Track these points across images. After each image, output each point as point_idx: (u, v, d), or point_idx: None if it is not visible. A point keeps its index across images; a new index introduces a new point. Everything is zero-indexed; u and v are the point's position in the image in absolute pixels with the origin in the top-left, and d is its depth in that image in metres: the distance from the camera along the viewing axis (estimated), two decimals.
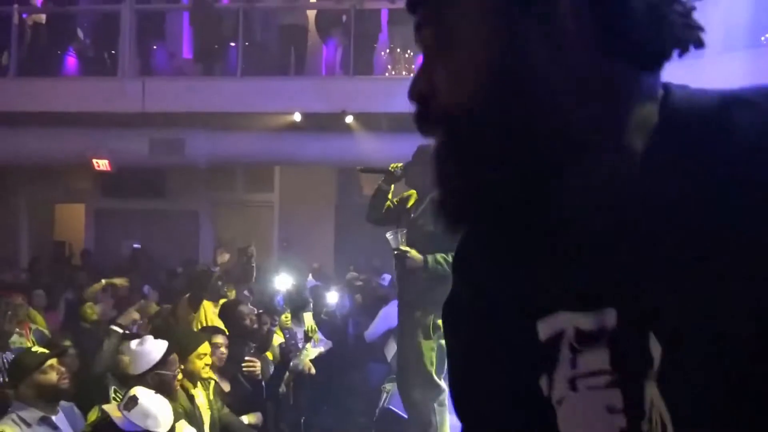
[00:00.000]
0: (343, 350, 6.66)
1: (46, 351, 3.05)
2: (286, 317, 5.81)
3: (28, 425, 2.77)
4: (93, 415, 3.03)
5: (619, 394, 0.56)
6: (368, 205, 3.95)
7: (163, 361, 3.18)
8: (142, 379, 3.12)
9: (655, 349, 0.52)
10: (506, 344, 0.66)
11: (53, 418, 2.87)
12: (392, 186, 3.85)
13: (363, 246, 9.57)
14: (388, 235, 3.58)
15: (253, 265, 6.49)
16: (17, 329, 5.13)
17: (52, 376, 2.90)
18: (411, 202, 3.78)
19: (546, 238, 0.60)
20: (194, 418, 3.56)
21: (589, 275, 0.57)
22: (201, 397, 3.68)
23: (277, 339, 5.34)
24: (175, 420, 3.22)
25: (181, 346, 3.56)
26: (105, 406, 2.65)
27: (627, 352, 0.54)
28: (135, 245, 10.88)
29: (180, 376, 3.33)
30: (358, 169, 4.36)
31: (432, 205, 3.27)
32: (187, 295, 5.03)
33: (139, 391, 2.52)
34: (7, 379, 3.33)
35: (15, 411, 2.80)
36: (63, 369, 3.01)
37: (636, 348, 0.53)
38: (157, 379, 3.14)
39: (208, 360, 3.72)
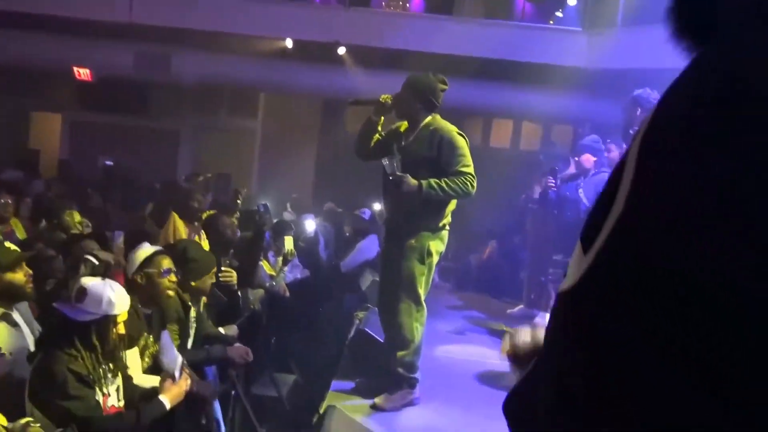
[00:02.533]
0: (319, 278, 6.74)
1: (18, 250, 3.01)
2: (270, 226, 5.85)
3: None
4: None
5: None
6: (357, 137, 3.91)
7: (149, 260, 3.19)
8: (133, 281, 3.15)
9: None
10: None
11: (12, 314, 2.88)
12: (382, 118, 3.85)
13: (342, 180, 9.59)
14: (384, 161, 3.60)
15: (239, 202, 6.46)
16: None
17: (20, 277, 2.87)
18: (403, 129, 3.80)
19: None
20: (184, 330, 3.64)
21: None
22: (192, 310, 3.74)
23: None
24: (167, 323, 3.28)
25: (197, 265, 3.59)
26: (56, 303, 2.62)
27: None
28: (107, 162, 10.71)
29: (173, 281, 3.33)
30: (348, 102, 4.30)
31: (426, 132, 3.29)
32: (149, 211, 5.02)
33: (86, 282, 2.51)
34: None
35: None
36: (31, 272, 3.00)
37: None
38: (145, 279, 3.17)
39: (213, 278, 3.78)
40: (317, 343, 6.13)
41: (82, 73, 8.89)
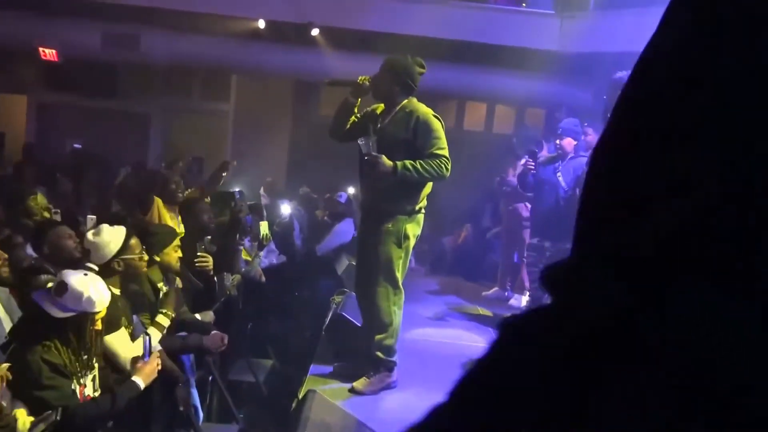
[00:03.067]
0: (295, 263, 6.72)
1: None
2: (246, 213, 5.79)
3: None
4: None
5: None
6: (333, 118, 3.88)
7: (126, 246, 3.14)
8: (108, 268, 3.09)
9: None
10: None
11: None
12: (359, 100, 3.83)
13: (317, 163, 9.53)
14: (360, 141, 3.59)
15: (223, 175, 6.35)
16: None
17: None
18: (379, 111, 3.78)
19: None
20: (154, 311, 3.59)
21: None
22: (164, 290, 3.70)
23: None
24: (138, 312, 3.23)
25: (158, 238, 3.54)
26: (34, 294, 2.57)
27: None
28: (75, 145, 10.47)
29: (144, 262, 3.29)
30: (325, 82, 4.25)
31: (403, 114, 3.27)
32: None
33: (67, 276, 2.46)
34: None
35: None
36: (5, 255, 2.94)
37: None
38: (124, 265, 3.12)
39: (180, 253, 3.72)
40: (294, 327, 6.14)
41: (48, 53, 8.63)
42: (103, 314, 2.48)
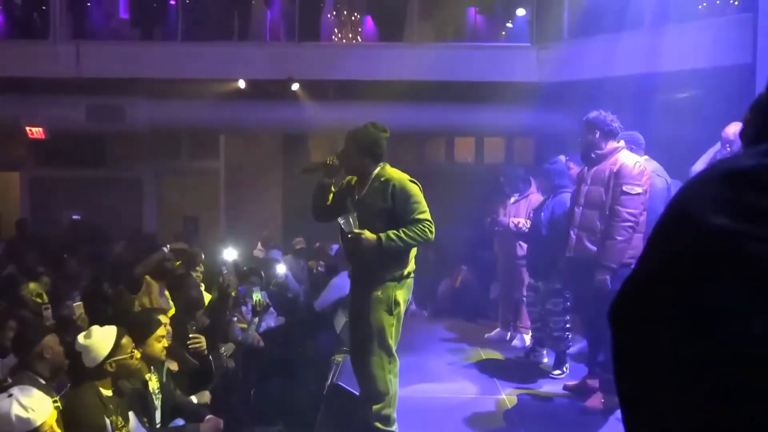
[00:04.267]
0: (293, 321, 6.67)
1: None
2: (236, 288, 5.76)
3: None
4: None
5: None
6: (312, 203, 3.86)
7: (117, 347, 3.11)
8: (101, 370, 3.06)
9: None
10: None
11: None
12: (333, 179, 3.83)
13: (310, 213, 9.50)
14: (340, 220, 3.59)
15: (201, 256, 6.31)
16: None
17: None
18: (354, 182, 3.78)
19: None
20: (147, 404, 3.54)
21: None
22: (153, 381, 3.64)
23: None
24: (125, 411, 3.17)
25: (139, 330, 3.49)
26: None
27: None
28: (75, 216, 10.52)
29: (137, 358, 3.26)
30: (297, 172, 4.34)
31: (378, 183, 3.27)
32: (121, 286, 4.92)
33: None
34: None
35: None
36: None
37: None
38: (116, 366, 3.08)
39: (165, 342, 3.66)
40: (297, 386, 6.05)
41: (35, 131, 8.72)
42: (52, 421, 2.41)
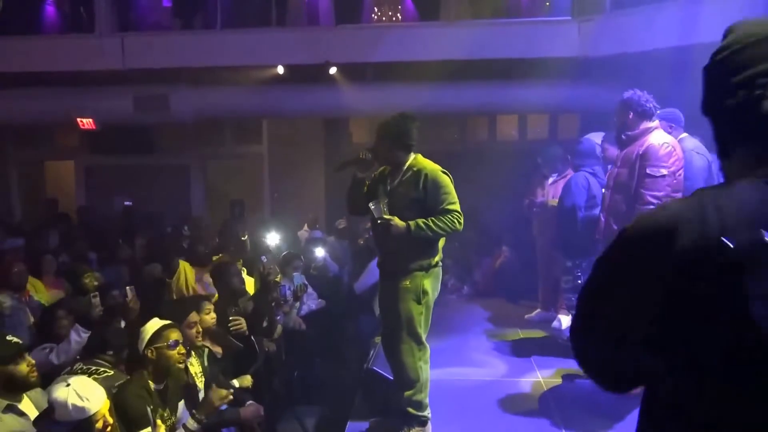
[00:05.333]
0: (335, 303, 6.77)
1: (19, 342, 3.08)
2: (276, 275, 5.89)
3: None
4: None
5: None
6: (348, 197, 3.93)
7: (158, 335, 3.26)
8: (144, 356, 3.24)
9: None
10: None
11: (18, 405, 2.94)
12: (367, 174, 3.88)
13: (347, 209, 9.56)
14: (371, 205, 3.64)
15: (244, 239, 6.48)
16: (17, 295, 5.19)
17: (23, 368, 2.95)
18: (386, 173, 3.82)
19: None
20: (190, 389, 3.70)
21: None
22: (195, 366, 3.80)
23: None
24: (175, 403, 3.33)
25: (171, 317, 3.63)
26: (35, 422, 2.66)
27: None
28: (126, 202, 10.90)
29: (182, 356, 3.39)
30: (333, 169, 4.39)
31: (410, 173, 3.30)
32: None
33: (50, 393, 2.53)
34: None
35: None
36: (33, 361, 3.07)
37: None
38: (156, 354, 3.24)
39: (198, 328, 3.81)
40: (338, 368, 6.17)
41: (85, 122, 9.04)
42: (105, 410, 2.54)
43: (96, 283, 5.69)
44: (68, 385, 2.52)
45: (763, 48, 1.20)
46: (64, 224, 9.20)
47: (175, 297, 5.48)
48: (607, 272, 1.18)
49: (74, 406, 2.45)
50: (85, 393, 2.49)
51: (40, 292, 5.88)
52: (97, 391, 2.55)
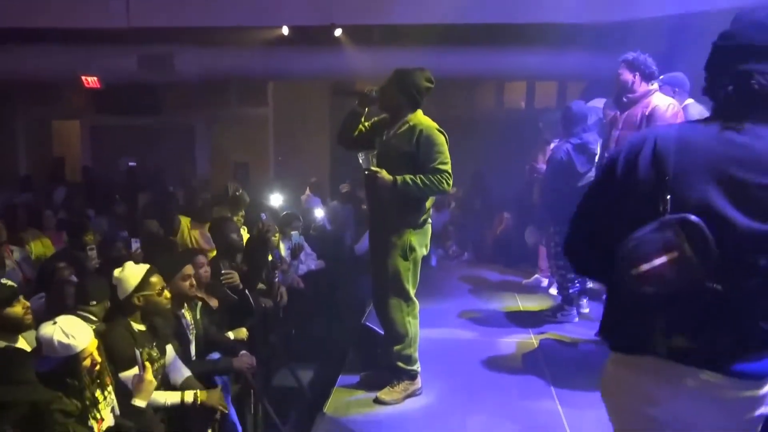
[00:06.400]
0: (334, 264, 6.83)
1: (14, 285, 3.15)
2: (275, 236, 5.93)
3: None
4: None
5: None
6: (340, 126, 3.89)
7: (144, 283, 3.30)
8: (130, 304, 3.28)
9: None
10: None
11: (14, 346, 3.01)
12: (366, 109, 3.84)
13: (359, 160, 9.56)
14: (360, 156, 3.63)
15: (239, 194, 6.51)
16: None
17: (18, 310, 3.03)
18: (384, 122, 3.80)
19: None
20: (182, 337, 3.76)
21: None
22: (188, 317, 3.86)
23: None
24: (163, 342, 3.38)
25: (164, 271, 3.67)
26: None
27: None
28: (131, 163, 10.95)
29: (167, 299, 3.44)
30: (332, 91, 4.31)
31: (407, 127, 3.30)
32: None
33: (38, 331, 2.58)
34: None
35: None
36: (27, 304, 3.14)
37: None
38: (143, 300, 3.28)
39: (192, 281, 3.83)
40: (335, 326, 6.25)
41: (90, 80, 9.04)
42: (93, 348, 2.59)
43: (93, 238, 5.78)
44: (55, 323, 2.56)
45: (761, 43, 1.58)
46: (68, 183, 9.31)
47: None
48: (593, 184, 1.82)
49: (60, 342, 2.50)
50: (70, 330, 2.53)
51: (47, 248, 5.97)
52: (83, 329, 2.60)
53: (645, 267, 1.50)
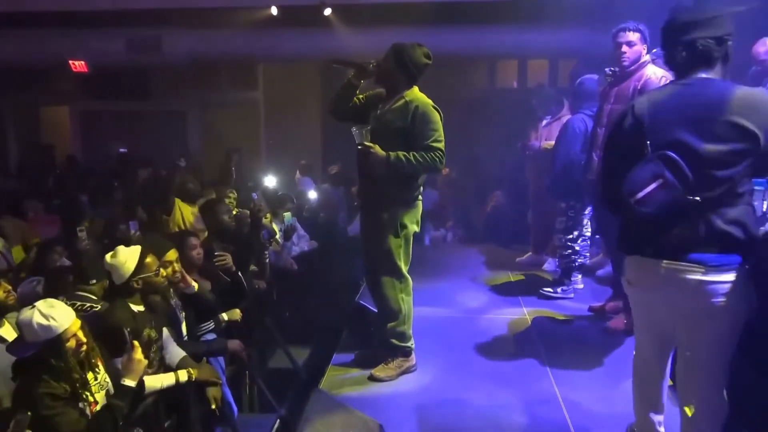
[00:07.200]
0: (327, 245, 6.81)
1: None
2: (266, 217, 5.90)
3: None
4: None
5: None
6: (334, 96, 3.81)
7: (141, 266, 3.27)
8: (128, 287, 3.24)
9: None
10: None
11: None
12: (362, 82, 3.77)
13: (351, 142, 9.52)
14: (354, 130, 3.58)
15: (233, 168, 6.48)
16: None
17: None
18: (378, 97, 3.75)
19: None
20: (174, 318, 3.75)
21: None
22: (176, 298, 3.83)
23: None
24: (159, 326, 3.36)
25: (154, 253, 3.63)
26: (7, 347, 2.65)
27: None
28: (121, 149, 10.86)
29: (164, 278, 3.40)
30: (328, 62, 4.20)
31: (402, 103, 3.27)
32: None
33: (18, 317, 2.55)
34: None
35: None
36: (9, 287, 3.11)
37: None
38: (142, 283, 3.25)
39: (174, 267, 3.75)
40: (329, 307, 6.24)
41: (77, 64, 8.93)
42: (75, 329, 2.55)
43: (89, 223, 5.75)
44: (33, 307, 2.53)
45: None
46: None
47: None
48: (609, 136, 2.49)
49: (39, 324, 2.46)
50: (49, 312, 2.49)
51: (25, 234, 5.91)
52: (63, 310, 2.55)
53: (641, 194, 2.13)
